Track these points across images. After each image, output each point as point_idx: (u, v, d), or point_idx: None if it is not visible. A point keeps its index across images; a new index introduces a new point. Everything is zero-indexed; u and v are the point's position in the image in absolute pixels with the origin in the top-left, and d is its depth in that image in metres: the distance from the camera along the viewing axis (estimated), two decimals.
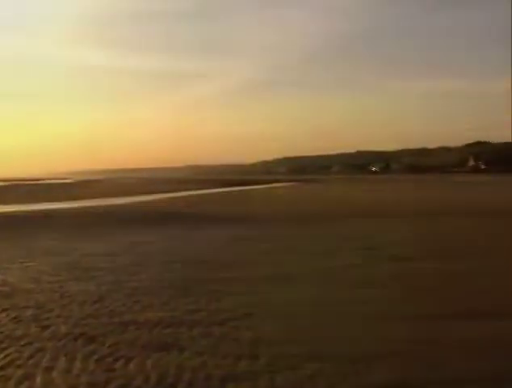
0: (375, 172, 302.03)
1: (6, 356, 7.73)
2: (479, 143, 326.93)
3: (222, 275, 13.50)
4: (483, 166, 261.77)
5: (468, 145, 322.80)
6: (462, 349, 7.77)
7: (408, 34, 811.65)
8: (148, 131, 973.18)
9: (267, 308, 10.20)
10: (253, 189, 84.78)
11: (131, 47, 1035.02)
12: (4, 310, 10.30)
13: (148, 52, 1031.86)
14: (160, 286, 12.27)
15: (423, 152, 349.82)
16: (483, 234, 21.56)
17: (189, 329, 8.97)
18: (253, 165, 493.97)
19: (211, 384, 6.72)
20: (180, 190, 78.22)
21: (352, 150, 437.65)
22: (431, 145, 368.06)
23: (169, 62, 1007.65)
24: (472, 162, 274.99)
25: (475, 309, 9.95)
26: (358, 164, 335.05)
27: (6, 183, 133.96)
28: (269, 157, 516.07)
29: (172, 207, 41.83)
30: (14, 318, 9.78)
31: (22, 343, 8.34)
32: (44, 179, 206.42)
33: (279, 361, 7.40)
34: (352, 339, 8.27)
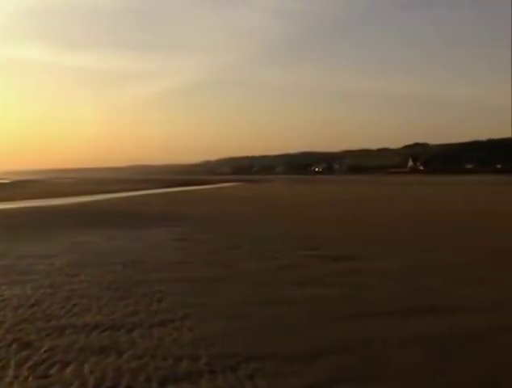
0: (318, 172, 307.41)
1: None
2: (417, 145, 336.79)
3: (163, 275, 13.37)
4: (421, 167, 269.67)
5: (408, 147, 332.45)
6: (401, 346, 7.97)
7: (352, 36, 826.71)
8: (89, 130, 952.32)
9: (208, 308, 10.17)
10: (196, 189, 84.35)
11: (70, 43, 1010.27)
12: None
13: (90, 50, 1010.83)
14: (99, 288, 12.02)
15: (365, 153, 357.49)
16: (421, 232, 22.21)
17: (128, 331, 8.83)
18: (197, 165, 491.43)
19: (151, 386, 6.64)
20: (122, 190, 76.91)
21: (296, 151, 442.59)
22: (373, 147, 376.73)
23: (111, 60, 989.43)
24: (410, 163, 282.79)
25: (413, 306, 10.23)
26: (302, 164, 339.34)
27: None
28: (212, 157, 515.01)
29: (113, 207, 41.07)
30: None
31: None
32: None
33: (219, 361, 7.39)
34: (291, 339, 8.35)
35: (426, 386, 6.58)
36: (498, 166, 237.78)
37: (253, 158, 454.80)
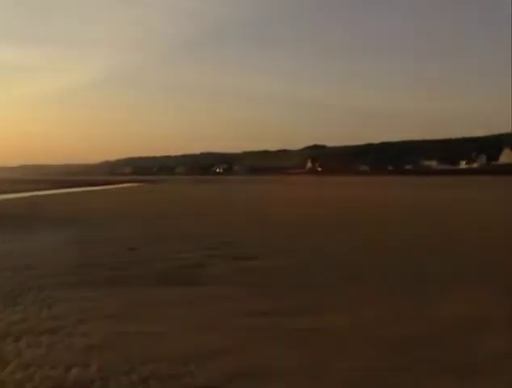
0: (218, 173, 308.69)
1: None
2: (316, 146, 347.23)
3: (56, 280, 12.83)
4: (319, 169, 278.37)
5: (307, 148, 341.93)
6: (290, 343, 8.17)
7: (260, 37, 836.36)
8: None
9: (101, 313, 9.89)
10: (93, 190, 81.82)
11: None
12: None
13: None
14: None
15: (265, 154, 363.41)
16: (323, 232, 22.89)
17: (15, 340, 8.39)
18: (96, 165, 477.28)
19: None
20: (13, 191, 73.00)
21: (197, 151, 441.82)
22: (273, 148, 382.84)
23: (7, 54, 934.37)
24: (309, 165, 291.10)
25: (303, 304, 10.52)
26: (203, 165, 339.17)
27: None
28: (112, 157, 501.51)
29: (3, 209, 38.88)
30: None
31: None
32: None
33: (112, 367, 7.21)
34: (184, 339, 8.31)
35: None
36: (390, 167, 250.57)
37: (154, 158, 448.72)
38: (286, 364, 7.27)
